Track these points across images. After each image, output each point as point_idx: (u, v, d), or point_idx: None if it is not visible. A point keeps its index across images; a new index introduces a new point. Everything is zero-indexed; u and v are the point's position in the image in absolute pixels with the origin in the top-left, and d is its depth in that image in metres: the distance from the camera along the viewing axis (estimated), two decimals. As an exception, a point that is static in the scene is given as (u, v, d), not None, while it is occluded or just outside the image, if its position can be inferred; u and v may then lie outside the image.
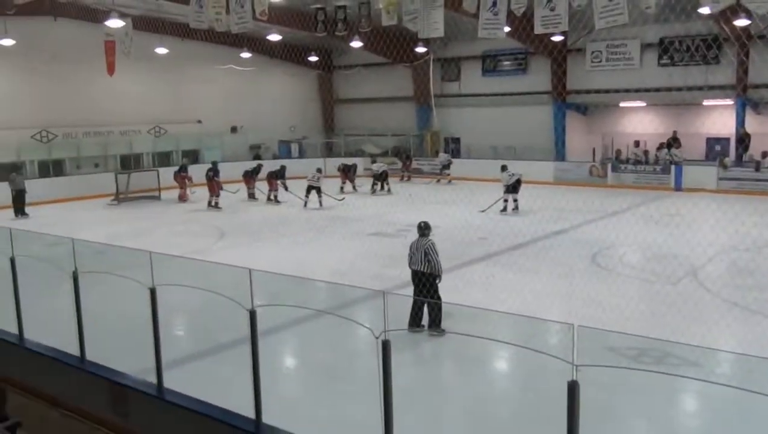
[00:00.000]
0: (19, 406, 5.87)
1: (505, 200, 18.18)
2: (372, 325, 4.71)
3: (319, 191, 20.16)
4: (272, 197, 21.48)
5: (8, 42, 20.43)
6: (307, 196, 20.18)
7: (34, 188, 20.62)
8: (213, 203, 20.67)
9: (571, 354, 3.84)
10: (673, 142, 23.43)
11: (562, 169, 25.01)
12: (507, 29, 12.74)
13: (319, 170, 20.70)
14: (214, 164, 21.69)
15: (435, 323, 8.45)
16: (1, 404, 5.20)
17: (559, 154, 25.93)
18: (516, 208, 18.15)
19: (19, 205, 19.58)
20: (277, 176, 21.60)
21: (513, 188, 18.08)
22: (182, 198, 22.47)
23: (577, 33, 23.31)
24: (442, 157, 26.24)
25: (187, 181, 22.55)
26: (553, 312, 8.70)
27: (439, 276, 8.59)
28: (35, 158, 23.86)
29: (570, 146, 26.41)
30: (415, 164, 27.79)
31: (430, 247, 8.56)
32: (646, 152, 23.74)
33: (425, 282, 8.54)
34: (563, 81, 26.09)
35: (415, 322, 8.46)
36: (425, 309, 8.44)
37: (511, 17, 12.45)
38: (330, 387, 7.32)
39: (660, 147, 23.41)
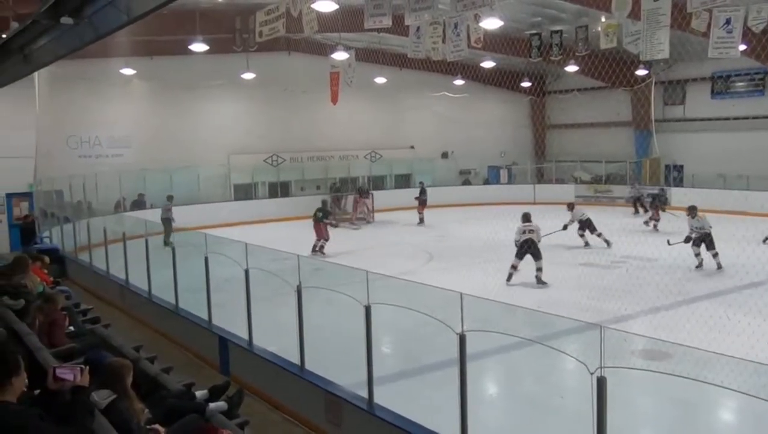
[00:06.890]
0: (245, 406, 6.42)
1: (697, 254, 14.23)
2: (584, 359, 4.50)
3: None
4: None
5: (249, 76, 22.83)
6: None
7: (265, 207, 22.73)
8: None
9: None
10: None
11: (808, 202, 22.09)
12: (742, 47, 11.70)
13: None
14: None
15: None
16: (239, 403, 5.73)
17: (806, 185, 22.99)
18: (719, 266, 13.98)
19: (166, 232, 17.68)
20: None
21: (701, 241, 14.20)
22: (366, 219, 23.82)
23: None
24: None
25: (365, 205, 23.92)
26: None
27: None
28: (266, 180, 26.35)
29: (820, 176, 23.29)
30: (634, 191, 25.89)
31: None
32: None
33: None
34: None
35: None
36: None
37: (747, 34, 11.44)
38: (537, 419, 7.12)
39: None
